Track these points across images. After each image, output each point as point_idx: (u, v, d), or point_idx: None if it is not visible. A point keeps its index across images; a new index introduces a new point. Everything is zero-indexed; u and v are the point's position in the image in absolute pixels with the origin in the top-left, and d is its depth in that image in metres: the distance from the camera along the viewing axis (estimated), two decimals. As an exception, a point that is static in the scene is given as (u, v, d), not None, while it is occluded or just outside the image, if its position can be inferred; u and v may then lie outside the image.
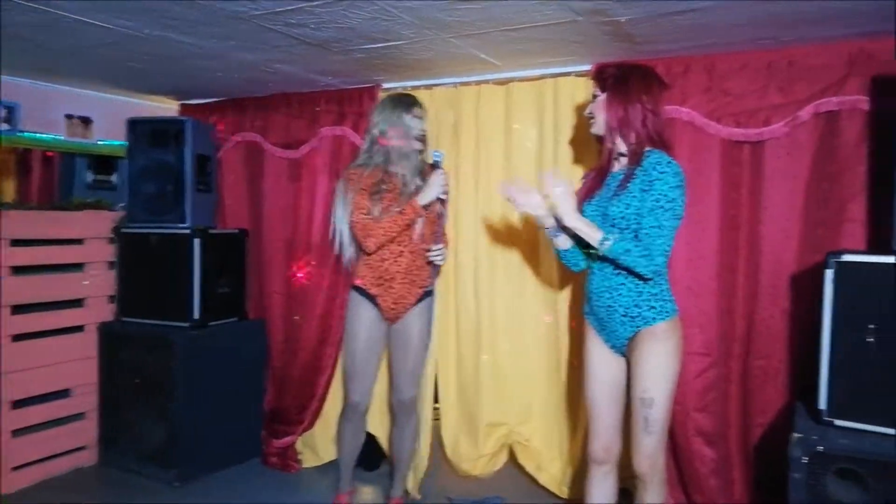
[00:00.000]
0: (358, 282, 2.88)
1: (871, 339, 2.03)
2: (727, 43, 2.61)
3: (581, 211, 2.23)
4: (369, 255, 2.81)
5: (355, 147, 3.46)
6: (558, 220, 2.21)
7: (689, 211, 2.74)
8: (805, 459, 1.99)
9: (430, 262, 2.87)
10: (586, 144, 2.96)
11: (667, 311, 2.19)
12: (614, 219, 2.16)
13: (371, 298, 2.85)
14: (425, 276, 2.89)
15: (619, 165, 2.27)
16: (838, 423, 2.07)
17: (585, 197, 2.30)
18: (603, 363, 2.32)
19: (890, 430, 1.98)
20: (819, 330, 2.12)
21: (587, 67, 2.94)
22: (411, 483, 3.28)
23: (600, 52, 2.80)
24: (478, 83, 3.27)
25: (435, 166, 2.79)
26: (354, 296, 2.89)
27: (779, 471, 2.14)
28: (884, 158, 2.38)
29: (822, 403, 2.10)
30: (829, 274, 2.10)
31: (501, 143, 3.27)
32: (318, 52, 2.86)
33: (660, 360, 2.16)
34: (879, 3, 2.13)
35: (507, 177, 3.25)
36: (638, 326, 2.19)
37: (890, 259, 2.01)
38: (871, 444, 1.95)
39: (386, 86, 3.44)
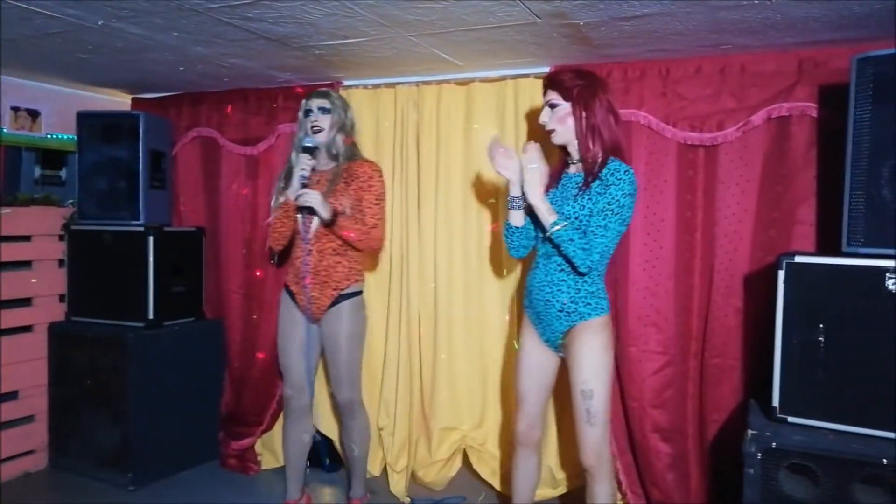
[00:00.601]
0: (285, 279, 2.92)
1: (821, 338, 2.08)
2: (682, 48, 2.65)
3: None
4: (276, 252, 2.88)
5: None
6: (523, 195, 2.28)
7: (645, 213, 2.82)
8: (759, 455, 2.03)
9: (340, 262, 2.78)
10: (545, 146, 2.96)
11: (601, 308, 2.30)
12: (569, 218, 2.23)
13: (292, 296, 2.86)
14: (339, 277, 2.78)
15: (576, 168, 2.34)
16: (791, 419, 2.12)
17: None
18: (535, 354, 2.43)
19: (840, 427, 2.04)
20: (772, 329, 2.17)
21: (546, 69, 2.95)
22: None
23: (559, 55, 2.81)
24: (439, 83, 3.26)
25: (305, 152, 2.70)
26: (283, 293, 2.93)
27: (734, 466, 2.19)
28: (832, 163, 2.46)
29: (776, 401, 2.15)
30: (781, 274, 2.14)
31: (462, 142, 3.26)
32: (276, 48, 2.81)
33: (596, 353, 2.26)
34: (826, 14, 2.20)
35: (466, 177, 3.26)
36: (573, 321, 2.29)
37: (839, 260, 2.07)
38: (823, 441, 2.00)
39: (346, 83, 3.41)
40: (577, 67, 2.46)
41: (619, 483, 2.96)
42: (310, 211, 2.69)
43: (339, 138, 2.81)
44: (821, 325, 2.08)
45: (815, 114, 2.57)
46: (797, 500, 1.99)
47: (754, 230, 2.70)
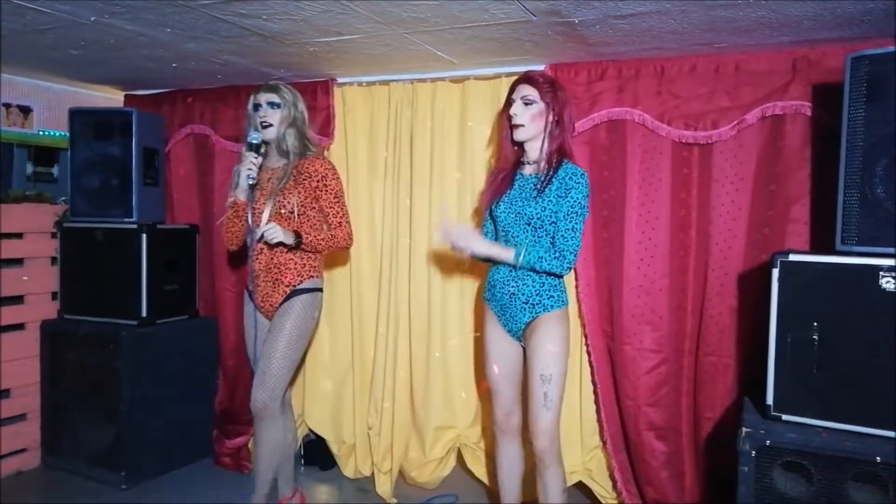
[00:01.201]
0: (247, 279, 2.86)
1: (815, 337, 2.08)
2: (676, 47, 2.65)
3: (494, 209, 2.48)
4: (232, 251, 2.86)
5: (308, 142, 3.42)
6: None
7: (641, 210, 2.83)
8: (753, 453, 2.04)
9: (293, 259, 2.71)
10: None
11: (562, 301, 2.44)
12: (531, 218, 2.38)
13: (250, 295, 2.81)
14: (291, 275, 2.71)
15: (531, 169, 2.46)
16: (785, 417, 2.13)
17: (495, 196, 2.50)
18: (500, 343, 2.53)
19: (834, 425, 2.05)
20: (766, 327, 2.17)
21: (542, 67, 2.95)
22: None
23: (555, 53, 2.81)
24: (433, 80, 3.25)
25: (251, 149, 2.64)
26: (244, 293, 2.90)
27: (728, 464, 2.19)
28: (826, 162, 2.47)
29: (770, 399, 2.16)
30: (775, 273, 2.15)
31: (456, 140, 3.25)
32: (269, 45, 2.79)
33: (557, 342, 2.38)
34: (820, 14, 2.20)
35: (461, 175, 3.25)
36: (537, 313, 2.41)
37: (833, 259, 2.07)
38: (816, 439, 2.01)
39: (341, 80, 3.40)
40: (548, 75, 2.58)
41: (614, 482, 2.97)
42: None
43: (290, 134, 2.72)
44: (815, 324, 2.08)
45: (809, 112, 2.57)
46: (791, 497, 2.00)
47: (748, 229, 2.71)
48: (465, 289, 3.31)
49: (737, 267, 2.73)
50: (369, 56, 2.95)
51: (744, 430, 2.09)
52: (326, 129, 3.39)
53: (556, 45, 2.68)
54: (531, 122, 2.39)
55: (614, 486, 2.98)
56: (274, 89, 2.71)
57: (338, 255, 3.49)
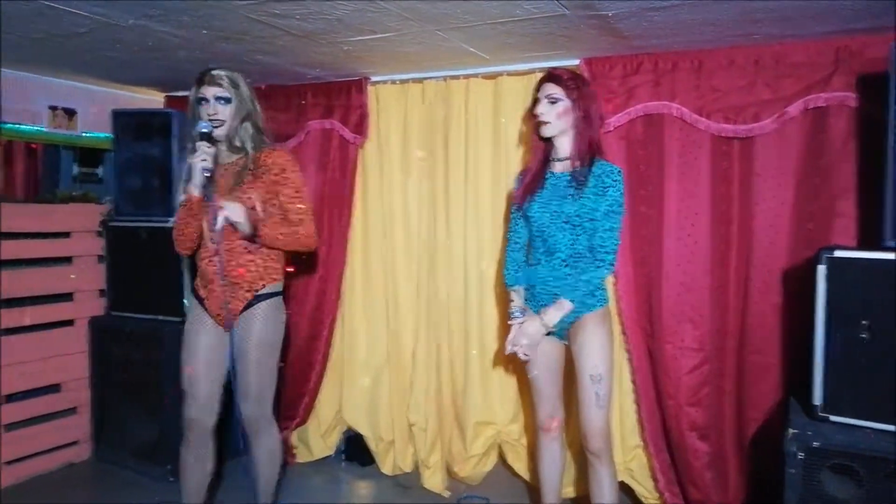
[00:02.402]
0: (195, 284, 2.57)
1: (865, 335, 2.03)
2: (714, 39, 2.59)
3: (526, 209, 2.46)
4: (185, 256, 2.59)
5: (343, 140, 3.44)
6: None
7: (679, 206, 2.77)
8: (800, 455, 2.00)
9: (252, 261, 2.44)
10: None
11: (604, 299, 2.44)
12: (569, 216, 2.36)
13: (201, 301, 2.51)
14: (252, 278, 2.44)
15: (561, 167, 2.43)
16: (833, 418, 2.08)
17: (527, 196, 2.46)
18: (543, 344, 2.49)
19: (885, 426, 1.99)
20: (812, 325, 2.12)
21: (576, 62, 2.91)
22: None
23: (589, 47, 2.77)
24: (466, 77, 3.23)
25: (200, 139, 2.34)
26: (191, 298, 2.60)
27: (774, 465, 2.15)
28: (872, 154, 2.38)
29: (817, 399, 2.11)
30: (821, 269, 2.09)
31: (490, 137, 3.24)
32: (304, 44, 2.81)
33: (603, 340, 2.39)
34: (861, 1, 2.12)
35: (496, 171, 3.23)
36: (580, 313, 2.40)
37: (881, 255, 2.01)
38: (866, 440, 1.96)
39: (374, 79, 3.40)
40: (574, 72, 2.52)
41: (656, 482, 2.92)
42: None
43: (245, 127, 2.44)
44: (864, 322, 2.03)
45: (853, 104, 2.49)
46: (840, 500, 1.96)
47: (792, 224, 2.64)
48: (501, 285, 3.28)
49: (780, 263, 2.66)
50: (402, 54, 2.94)
51: (790, 431, 2.04)
52: (360, 127, 3.40)
53: (590, 38, 2.64)
54: (557, 119, 2.37)
55: (656, 487, 2.93)
56: (219, 82, 2.37)
57: (372, 252, 3.51)
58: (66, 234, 3.54)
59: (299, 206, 2.44)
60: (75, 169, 3.96)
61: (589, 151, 2.38)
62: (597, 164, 2.36)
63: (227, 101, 2.39)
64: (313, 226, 2.48)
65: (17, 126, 3.53)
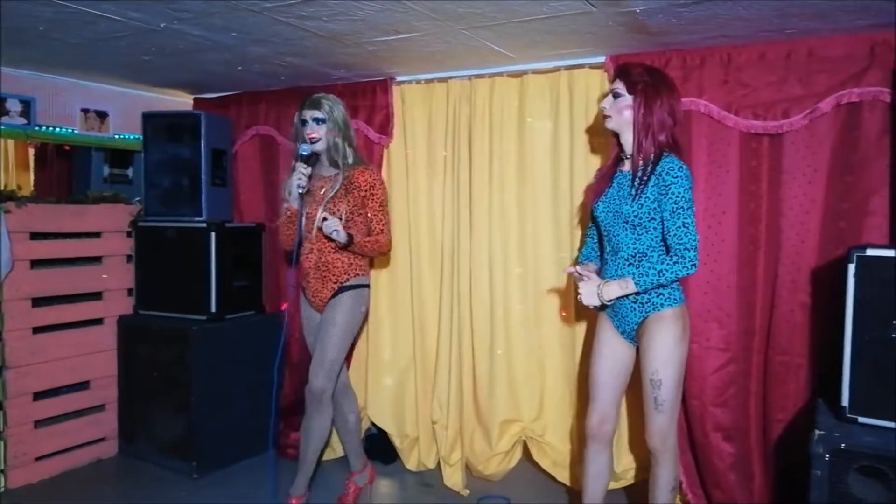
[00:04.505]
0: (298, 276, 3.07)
1: (895, 335, 1.98)
2: (744, 34, 2.56)
3: (594, 209, 2.43)
4: (289, 252, 2.97)
5: (369, 140, 3.46)
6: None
7: (707, 204, 2.74)
8: (827, 456, 1.97)
9: (339, 258, 2.85)
10: (601, 137, 2.94)
11: (674, 299, 2.31)
12: (627, 216, 2.29)
13: (304, 290, 3.00)
14: (339, 272, 2.86)
15: (628, 165, 2.36)
16: (861, 420, 2.04)
17: (596, 195, 2.43)
18: (610, 345, 2.45)
19: (914, 428, 1.95)
20: (841, 325, 2.09)
21: (602, 59, 2.90)
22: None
23: (616, 44, 2.76)
24: (492, 76, 3.23)
25: (301, 160, 2.78)
26: (299, 290, 3.09)
27: (800, 467, 2.11)
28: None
29: (845, 400, 2.08)
30: (851, 268, 2.06)
31: (515, 135, 3.24)
32: (330, 45, 2.84)
33: (667, 343, 2.28)
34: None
35: (520, 170, 3.23)
36: (647, 312, 2.31)
37: (914, 254, 1.97)
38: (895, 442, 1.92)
39: (399, 79, 3.43)
40: (649, 66, 2.46)
41: (680, 483, 2.89)
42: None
43: (338, 143, 2.84)
44: (894, 322, 1.98)
45: (888, 99, 2.44)
46: (868, 503, 1.91)
47: (822, 222, 2.60)
48: (527, 285, 3.29)
49: (810, 262, 2.62)
50: (427, 53, 2.96)
51: (817, 432, 2.01)
52: (386, 127, 3.43)
53: (618, 35, 2.63)
54: (618, 115, 2.32)
55: (680, 488, 2.90)
56: (317, 105, 2.82)
57: (397, 251, 3.52)
58: (97, 235, 3.61)
59: (381, 218, 2.87)
60: (106, 170, 4.03)
61: (656, 149, 2.27)
62: (662, 161, 2.25)
63: (323, 121, 2.81)
64: (391, 235, 2.94)
65: (52, 129, 3.61)
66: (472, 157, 3.29)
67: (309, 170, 2.78)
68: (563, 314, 3.22)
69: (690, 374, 2.78)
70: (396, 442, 3.59)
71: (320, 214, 2.74)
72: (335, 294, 2.87)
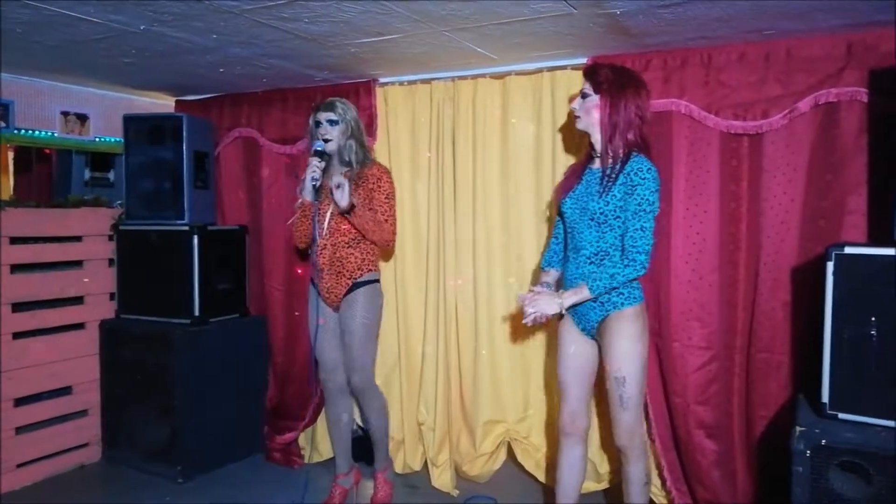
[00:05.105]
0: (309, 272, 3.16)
1: (873, 332, 2.01)
2: (724, 35, 2.58)
3: (561, 205, 2.47)
4: (302, 249, 3.15)
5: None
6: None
7: (688, 204, 2.76)
8: (808, 453, 1.98)
9: (353, 254, 2.95)
10: (584, 138, 2.93)
11: (634, 297, 2.36)
12: (594, 213, 2.33)
13: (316, 287, 3.06)
14: (352, 267, 2.95)
15: (598, 163, 2.41)
16: (841, 416, 2.06)
17: (563, 192, 2.48)
18: (574, 343, 2.48)
19: (893, 423, 1.97)
20: (821, 323, 2.11)
21: (584, 61, 2.91)
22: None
23: (597, 46, 2.77)
24: (475, 77, 3.24)
25: (315, 155, 2.88)
26: (310, 285, 3.13)
27: (782, 463, 2.13)
28: (883, 150, 2.38)
29: (825, 396, 2.09)
30: (829, 266, 2.08)
31: (498, 137, 3.25)
32: (312, 47, 2.83)
33: (629, 341, 2.33)
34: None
35: (504, 171, 3.24)
36: (607, 311, 2.36)
37: (891, 251, 1.99)
38: (875, 438, 1.94)
39: (382, 80, 3.42)
40: (618, 65, 2.51)
41: (663, 480, 2.92)
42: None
43: (351, 144, 2.96)
44: (872, 319, 2.01)
45: (865, 99, 2.47)
46: (848, 499, 1.94)
47: (802, 221, 2.62)
48: (510, 285, 3.30)
49: (790, 261, 2.65)
50: (410, 55, 2.96)
51: (798, 429, 2.02)
52: (369, 129, 3.41)
53: (598, 37, 2.64)
54: (586, 115, 2.37)
55: (663, 485, 2.93)
56: (331, 107, 2.94)
57: (382, 254, 3.52)
58: (79, 238, 3.58)
59: (387, 208, 2.94)
60: (87, 173, 4.00)
61: (625, 148, 2.31)
62: (631, 161, 2.30)
63: (336, 122, 2.92)
64: (395, 227, 3.01)
65: (31, 132, 3.57)
66: (456, 158, 3.30)
67: (323, 164, 2.87)
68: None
69: (673, 372, 2.81)
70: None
71: (336, 180, 2.78)
72: (349, 291, 2.95)
